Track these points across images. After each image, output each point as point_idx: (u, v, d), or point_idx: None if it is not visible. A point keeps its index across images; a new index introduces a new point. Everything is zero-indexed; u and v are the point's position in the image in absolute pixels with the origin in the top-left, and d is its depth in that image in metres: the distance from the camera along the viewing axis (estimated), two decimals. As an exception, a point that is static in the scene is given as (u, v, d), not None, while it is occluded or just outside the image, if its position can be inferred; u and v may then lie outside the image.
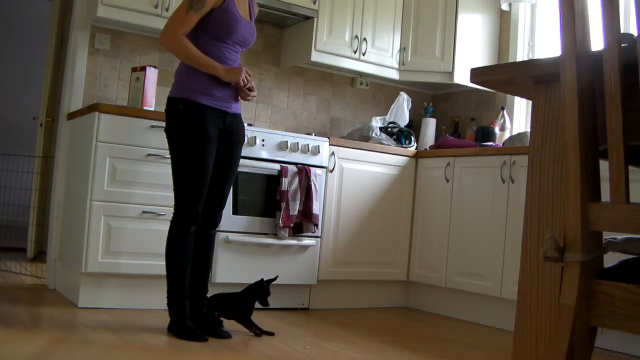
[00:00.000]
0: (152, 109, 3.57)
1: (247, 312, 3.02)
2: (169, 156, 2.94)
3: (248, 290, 3.04)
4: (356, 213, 4.09)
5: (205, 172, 2.87)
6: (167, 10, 3.74)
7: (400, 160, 4.28)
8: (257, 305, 3.05)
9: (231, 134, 2.99)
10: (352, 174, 4.07)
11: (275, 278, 3.15)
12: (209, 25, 2.84)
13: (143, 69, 3.62)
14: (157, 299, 3.24)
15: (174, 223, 2.90)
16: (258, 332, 2.99)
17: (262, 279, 3.07)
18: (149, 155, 3.40)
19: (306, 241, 3.86)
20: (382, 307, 4.24)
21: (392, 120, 4.53)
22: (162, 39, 2.87)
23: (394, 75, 4.67)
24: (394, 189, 4.25)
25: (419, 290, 4.32)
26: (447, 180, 4.10)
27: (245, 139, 3.63)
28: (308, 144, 3.87)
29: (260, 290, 3.03)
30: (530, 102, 2.30)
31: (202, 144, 2.84)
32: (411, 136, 4.46)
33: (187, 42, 2.81)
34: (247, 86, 2.92)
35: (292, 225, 3.74)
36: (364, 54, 4.49)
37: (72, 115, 3.85)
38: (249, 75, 2.93)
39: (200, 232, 2.98)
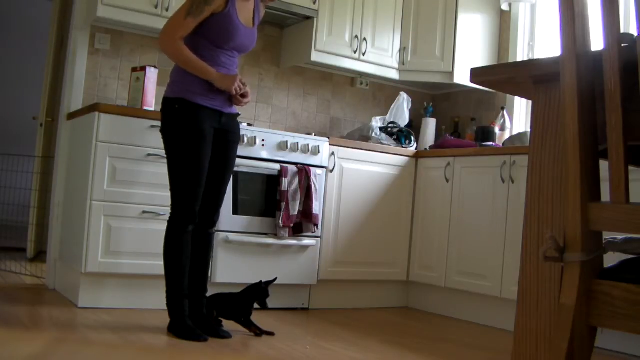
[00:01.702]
0: (152, 109, 3.57)
1: (246, 313, 3.01)
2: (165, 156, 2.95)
3: (247, 291, 3.04)
4: (356, 213, 4.09)
5: (201, 172, 2.88)
6: (167, 10, 3.74)
7: (400, 160, 4.28)
8: (257, 305, 3.05)
9: (227, 134, 2.99)
10: (352, 174, 4.07)
11: (275, 280, 3.15)
12: (208, 30, 2.85)
13: (143, 69, 3.63)
14: (157, 299, 3.23)
15: (171, 223, 2.91)
16: (258, 332, 2.99)
17: (260, 281, 3.06)
18: (149, 155, 3.40)
19: (306, 241, 3.86)
20: (382, 307, 4.24)
21: (392, 120, 4.53)
22: (159, 41, 2.89)
23: (394, 75, 4.67)
24: (394, 189, 4.25)
25: (419, 290, 4.32)
26: (447, 180, 4.10)
27: (245, 139, 3.65)
28: (308, 144, 3.87)
29: (259, 291, 3.02)
30: (530, 102, 2.30)
31: (198, 143, 2.85)
32: (411, 136, 4.46)
33: (182, 46, 2.82)
34: (240, 93, 2.93)
35: (292, 225, 3.74)
36: (364, 54, 4.49)
37: (72, 115, 3.85)
38: (243, 85, 2.93)
39: (198, 232, 2.99)
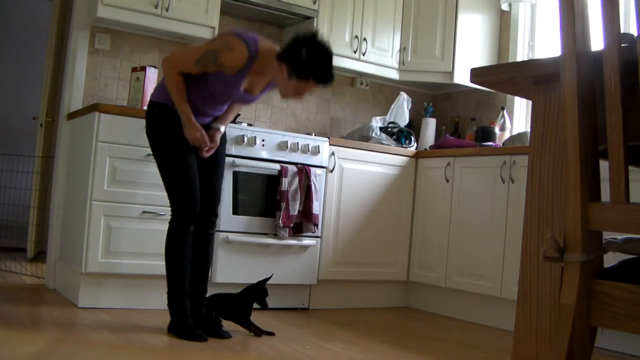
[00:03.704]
0: (152, 109, 3.56)
1: (245, 313, 3.01)
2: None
3: (246, 292, 3.04)
4: (356, 213, 4.09)
5: (191, 171, 2.90)
6: (167, 10, 3.74)
7: (400, 160, 4.27)
8: (256, 305, 3.05)
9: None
10: (352, 174, 4.07)
11: (270, 277, 3.13)
12: (210, 79, 2.82)
13: (143, 69, 3.63)
14: (157, 299, 3.23)
15: (172, 224, 2.91)
16: (258, 332, 2.99)
17: (258, 282, 3.06)
18: (149, 155, 3.38)
19: (306, 241, 3.86)
20: (382, 307, 4.24)
21: (392, 120, 4.53)
22: (162, 63, 2.87)
23: (394, 75, 4.67)
24: (394, 189, 4.25)
25: (419, 290, 4.32)
26: (447, 180, 4.10)
27: (245, 139, 3.65)
28: (308, 144, 3.87)
29: (258, 291, 3.02)
30: (530, 102, 2.30)
31: (179, 144, 2.87)
32: (411, 136, 4.46)
33: (179, 80, 2.80)
34: (202, 148, 2.91)
35: (292, 225, 3.74)
36: (364, 54, 4.49)
37: (72, 115, 3.85)
38: (206, 144, 2.88)
39: (198, 232, 2.99)
